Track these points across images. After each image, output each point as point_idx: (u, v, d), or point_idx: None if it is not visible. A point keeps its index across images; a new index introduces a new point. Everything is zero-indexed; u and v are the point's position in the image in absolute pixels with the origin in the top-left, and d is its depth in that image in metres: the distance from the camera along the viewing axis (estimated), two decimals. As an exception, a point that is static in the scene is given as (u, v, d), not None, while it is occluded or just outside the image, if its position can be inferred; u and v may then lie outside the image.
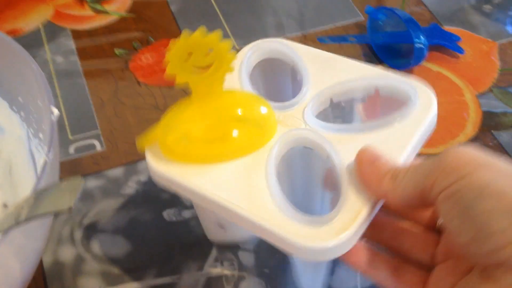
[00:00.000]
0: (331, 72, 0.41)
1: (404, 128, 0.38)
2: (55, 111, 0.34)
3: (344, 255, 0.34)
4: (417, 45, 0.54)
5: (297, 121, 0.39)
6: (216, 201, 0.35)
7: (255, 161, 0.37)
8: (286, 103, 0.40)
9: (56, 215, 0.44)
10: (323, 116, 0.40)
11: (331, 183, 0.37)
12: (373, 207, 0.34)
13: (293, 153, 0.38)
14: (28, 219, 0.28)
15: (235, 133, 0.37)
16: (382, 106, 0.40)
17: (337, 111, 0.41)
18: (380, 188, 0.33)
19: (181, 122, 0.38)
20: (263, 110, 0.39)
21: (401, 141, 0.37)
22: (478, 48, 0.58)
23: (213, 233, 0.44)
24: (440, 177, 0.30)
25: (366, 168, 0.34)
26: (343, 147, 0.37)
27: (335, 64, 0.42)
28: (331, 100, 0.40)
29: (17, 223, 0.29)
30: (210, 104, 0.37)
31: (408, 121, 0.38)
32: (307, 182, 0.40)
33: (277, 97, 0.41)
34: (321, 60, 0.42)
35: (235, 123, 0.38)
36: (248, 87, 0.41)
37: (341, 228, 0.33)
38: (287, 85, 0.43)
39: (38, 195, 0.30)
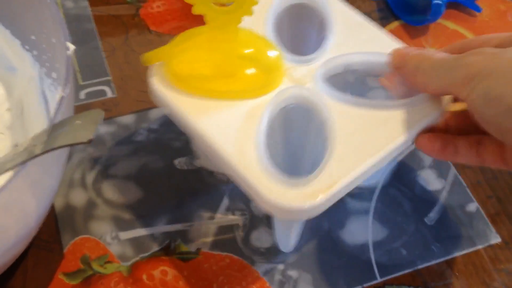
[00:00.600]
0: (356, 39, 0.40)
1: (408, 116, 0.37)
2: (71, 46, 0.33)
3: (419, 145, 0.37)
4: (435, 1, 0.53)
5: (305, 79, 0.38)
6: (205, 139, 0.35)
7: (252, 111, 0.36)
8: (302, 58, 0.39)
9: (75, 147, 0.44)
10: (333, 81, 0.39)
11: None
12: (353, 176, 0.34)
13: (293, 109, 0.38)
14: (46, 151, 0.28)
15: (239, 72, 0.37)
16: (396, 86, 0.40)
17: (349, 80, 0.40)
18: (417, 81, 0.36)
19: (190, 49, 0.38)
20: (272, 56, 0.38)
21: (400, 127, 0.36)
22: (495, 7, 0.57)
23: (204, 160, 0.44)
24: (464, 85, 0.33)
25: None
26: (341, 116, 0.36)
27: (363, 31, 0.41)
28: (346, 67, 0.39)
29: (32, 156, 0.28)
30: (221, 39, 0.37)
31: (416, 109, 0.37)
32: (304, 140, 0.40)
33: (298, 48, 0.40)
34: (351, 23, 0.41)
35: (242, 63, 0.37)
36: (270, 32, 0.40)
37: (316, 192, 0.33)
38: (311, 39, 0.42)
39: (54, 128, 0.29)
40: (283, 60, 0.39)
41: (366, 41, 0.40)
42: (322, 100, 0.37)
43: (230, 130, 0.36)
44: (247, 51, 0.38)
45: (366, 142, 0.36)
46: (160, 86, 0.38)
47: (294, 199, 0.33)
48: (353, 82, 0.40)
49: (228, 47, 0.37)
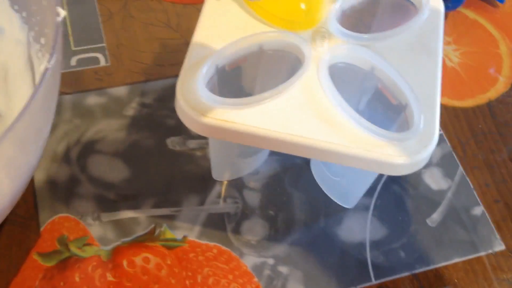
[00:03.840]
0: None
1: (423, 33, 0.37)
2: (62, 12, 0.30)
3: None
4: (457, -12, 0.49)
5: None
6: (278, 137, 0.32)
7: (301, 88, 0.34)
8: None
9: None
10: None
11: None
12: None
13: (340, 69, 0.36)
14: None
15: None
16: (382, 12, 0.40)
17: (345, 20, 0.38)
18: None
19: None
20: None
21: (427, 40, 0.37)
22: (519, -1, 0.54)
23: (222, 172, 0.41)
24: None
25: None
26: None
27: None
28: (342, 9, 0.38)
29: None
30: None
31: (423, 22, 0.37)
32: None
33: None
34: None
35: None
36: None
37: (429, 135, 0.33)
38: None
39: None
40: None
41: None
42: (364, 49, 0.35)
43: (295, 115, 0.33)
44: None
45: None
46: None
47: (412, 152, 0.32)
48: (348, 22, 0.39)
49: None
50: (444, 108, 0.46)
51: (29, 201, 0.39)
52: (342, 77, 0.36)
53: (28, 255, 0.37)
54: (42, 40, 0.36)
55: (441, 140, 0.45)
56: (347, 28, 0.36)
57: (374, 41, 0.36)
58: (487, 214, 0.42)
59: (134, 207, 0.40)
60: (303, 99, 0.33)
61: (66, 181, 0.40)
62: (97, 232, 0.38)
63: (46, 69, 0.28)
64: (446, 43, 0.50)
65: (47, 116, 0.31)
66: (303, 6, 0.36)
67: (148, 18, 0.49)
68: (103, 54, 0.47)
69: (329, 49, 0.35)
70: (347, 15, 0.38)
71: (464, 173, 0.44)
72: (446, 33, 0.51)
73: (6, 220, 0.37)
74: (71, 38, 0.47)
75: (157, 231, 0.39)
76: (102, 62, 0.46)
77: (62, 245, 0.37)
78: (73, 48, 0.47)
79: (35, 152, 0.30)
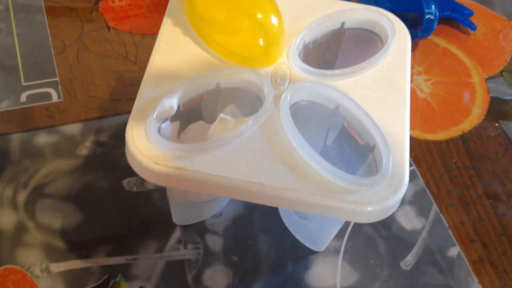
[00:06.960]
0: (306, 13, 0.36)
1: (389, 66, 0.35)
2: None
3: None
4: (428, 16, 0.48)
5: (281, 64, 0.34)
6: (237, 185, 0.29)
7: (260, 131, 0.31)
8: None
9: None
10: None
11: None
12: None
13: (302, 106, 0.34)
14: None
15: (243, 32, 0.33)
16: (346, 45, 0.38)
17: (308, 54, 0.36)
18: None
19: None
20: (276, 25, 0.34)
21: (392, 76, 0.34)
22: (490, 26, 0.52)
23: (183, 215, 0.38)
24: None
25: None
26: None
27: (311, 4, 0.37)
28: (304, 43, 0.36)
29: None
30: None
31: (389, 57, 0.35)
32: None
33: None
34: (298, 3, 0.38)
35: (248, 22, 0.33)
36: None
37: (399, 179, 0.30)
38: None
39: None
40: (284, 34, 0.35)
41: (315, 11, 0.37)
42: (329, 85, 0.33)
43: (257, 160, 0.30)
44: (258, 14, 0.33)
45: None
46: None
47: (382, 198, 0.30)
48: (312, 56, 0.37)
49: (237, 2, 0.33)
50: (416, 142, 0.44)
51: (-31, 254, 0.36)
52: (306, 115, 0.34)
53: (-34, 315, 0.34)
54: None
55: (413, 176, 0.43)
56: (309, 64, 0.34)
57: (338, 78, 0.34)
58: (463, 255, 0.40)
59: (87, 256, 0.37)
60: (264, 142, 0.31)
61: (12, 229, 0.37)
62: (45, 284, 0.35)
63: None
64: (417, 73, 0.48)
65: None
66: (261, 42, 0.33)
67: (104, 50, 0.47)
68: (55, 89, 0.44)
69: (291, 87, 0.33)
70: (309, 49, 0.36)
71: (439, 211, 0.41)
72: (417, 62, 0.49)
73: None
74: (21, 73, 0.45)
75: (111, 282, 0.36)
76: (55, 98, 0.43)
77: (4, 302, 0.34)
78: (24, 84, 0.44)
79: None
